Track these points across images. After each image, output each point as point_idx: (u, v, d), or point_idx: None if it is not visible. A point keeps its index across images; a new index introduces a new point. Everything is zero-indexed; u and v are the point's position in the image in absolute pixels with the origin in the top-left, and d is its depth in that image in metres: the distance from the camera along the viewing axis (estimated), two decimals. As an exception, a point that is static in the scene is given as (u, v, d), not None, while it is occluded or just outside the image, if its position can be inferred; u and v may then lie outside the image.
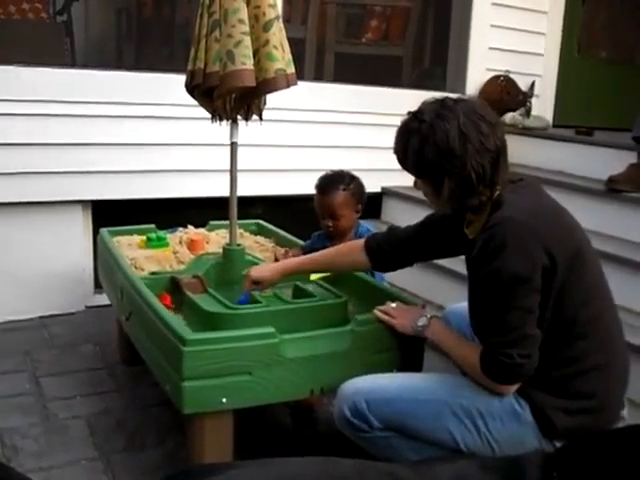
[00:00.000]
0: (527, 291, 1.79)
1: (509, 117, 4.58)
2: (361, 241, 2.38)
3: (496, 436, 1.87)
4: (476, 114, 1.85)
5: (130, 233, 3.08)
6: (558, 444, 1.83)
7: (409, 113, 1.94)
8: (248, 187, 3.11)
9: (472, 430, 1.88)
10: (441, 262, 3.56)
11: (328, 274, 2.58)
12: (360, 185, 2.79)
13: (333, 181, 2.75)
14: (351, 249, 2.42)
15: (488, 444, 1.88)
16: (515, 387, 1.87)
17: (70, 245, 3.65)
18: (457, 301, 2.37)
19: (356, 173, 2.87)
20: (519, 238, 1.78)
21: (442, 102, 1.89)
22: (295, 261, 2.54)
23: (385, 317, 2.19)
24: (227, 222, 2.76)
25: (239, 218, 2.77)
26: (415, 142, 1.88)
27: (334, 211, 2.70)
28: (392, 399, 1.94)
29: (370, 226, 2.84)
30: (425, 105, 1.92)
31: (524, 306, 1.79)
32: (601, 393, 1.87)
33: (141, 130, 3.64)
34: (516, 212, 1.82)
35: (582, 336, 1.85)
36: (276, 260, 2.72)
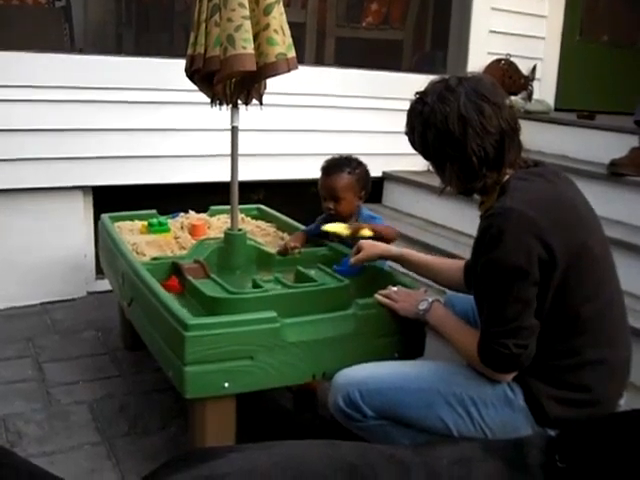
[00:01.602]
0: (524, 283, 1.76)
1: (511, 101, 4.56)
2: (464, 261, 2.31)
3: (489, 423, 1.87)
4: (479, 95, 1.82)
5: (131, 219, 3.08)
6: (551, 432, 1.82)
7: (416, 94, 1.93)
8: (249, 172, 3.11)
9: (465, 418, 1.88)
10: (442, 246, 3.57)
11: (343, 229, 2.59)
12: (366, 172, 2.78)
13: (339, 164, 2.74)
14: (455, 265, 2.33)
15: (482, 431, 1.87)
16: (512, 375, 1.85)
17: (71, 231, 3.65)
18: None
19: (357, 157, 2.87)
20: (515, 230, 1.75)
21: (446, 82, 1.87)
22: (400, 250, 2.48)
23: (387, 301, 2.19)
24: (228, 207, 2.75)
25: (240, 203, 2.76)
26: (418, 125, 1.88)
27: (336, 194, 2.69)
28: (385, 389, 1.93)
29: (370, 212, 2.83)
30: (430, 85, 1.91)
31: (521, 298, 1.77)
32: (598, 388, 1.84)
33: (142, 115, 3.63)
34: (517, 202, 1.78)
35: (584, 330, 1.82)
36: (285, 250, 2.70)
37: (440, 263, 2.42)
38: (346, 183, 2.69)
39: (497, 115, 1.83)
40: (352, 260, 2.45)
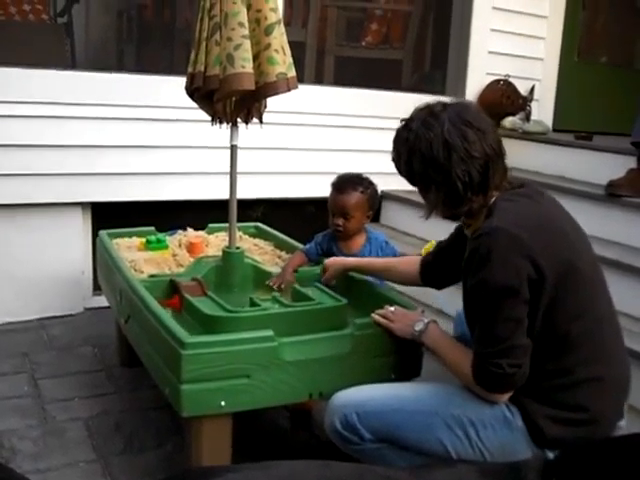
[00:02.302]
0: (514, 302, 1.77)
1: (509, 121, 4.59)
2: (419, 257, 2.44)
3: (488, 445, 1.86)
4: (463, 120, 1.84)
5: (129, 235, 3.08)
6: (550, 453, 1.81)
7: (402, 121, 1.95)
8: (248, 190, 3.12)
9: (464, 440, 1.87)
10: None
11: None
12: (376, 192, 2.82)
13: (352, 181, 2.76)
14: (409, 261, 2.48)
15: (480, 453, 1.86)
16: (507, 395, 1.85)
17: (69, 247, 3.65)
18: (454, 306, 2.37)
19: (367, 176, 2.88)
20: (503, 249, 1.76)
21: (431, 109, 1.90)
22: (359, 260, 2.63)
23: (383, 321, 2.19)
24: (226, 225, 2.76)
25: (238, 221, 2.77)
26: (404, 152, 1.91)
27: (347, 211, 2.71)
28: (382, 411, 1.93)
29: (381, 234, 2.87)
30: (415, 112, 1.93)
31: (512, 317, 1.77)
32: (594, 406, 1.83)
33: (142, 132, 3.64)
34: (504, 222, 1.80)
35: (574, 349, 1.82)
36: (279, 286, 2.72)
37: (396, 262, 2.55)
38: (357, 201, 2.72)
39: (481, 140, 1.84)
40: (323, 280, 2.57)
